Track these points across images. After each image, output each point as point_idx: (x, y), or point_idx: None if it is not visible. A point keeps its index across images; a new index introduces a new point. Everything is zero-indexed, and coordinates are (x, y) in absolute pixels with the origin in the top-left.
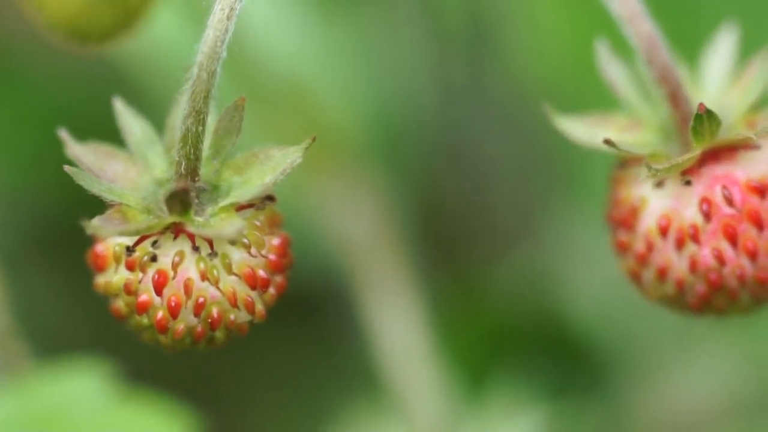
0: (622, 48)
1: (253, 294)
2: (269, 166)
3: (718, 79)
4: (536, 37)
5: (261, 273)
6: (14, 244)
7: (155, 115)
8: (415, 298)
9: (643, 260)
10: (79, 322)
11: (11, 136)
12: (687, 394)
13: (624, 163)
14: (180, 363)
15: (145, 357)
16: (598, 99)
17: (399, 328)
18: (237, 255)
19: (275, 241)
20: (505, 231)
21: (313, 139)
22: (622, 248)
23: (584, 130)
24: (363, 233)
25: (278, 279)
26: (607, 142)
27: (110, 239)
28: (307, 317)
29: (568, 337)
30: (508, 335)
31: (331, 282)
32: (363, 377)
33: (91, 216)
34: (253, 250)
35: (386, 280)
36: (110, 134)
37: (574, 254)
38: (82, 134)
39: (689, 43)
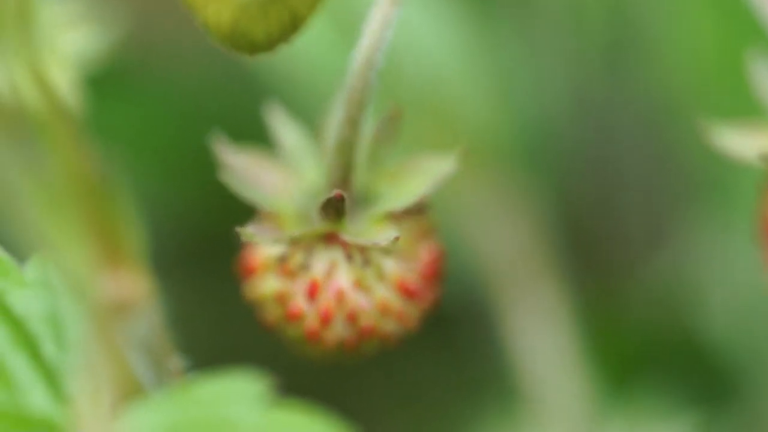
0: None
1: (405, 304)
2: (422, 176)
3: None
4: (681, 46)
5: (413, 283)
6: (162, 249)
7: (302, 123)
8: (557, 308)
9: None
10: (228, 331)
11: (161, 137)
12: None
13: None
14: (312, 374)
15: (281, 369)
16: (744, 110)
17: (541, 339)
18: (390, 265)
19: (428, 251)
20: (643, 241)
21: (466, 150)
22: None
23: (736, 143)
24: (506, 242)
25: (431, 290)
26: (762, 155)
27: (262, 247)
28: (446, 328)
29: (705, 348)
30: (646, 347)
31: (473, 292)
32: (504, 390)
33: (237, 223)
34: (405, 261)
35: (529, 291)
36: (260, 139)
37: (712, 265)
38: (232, 137)
39: None
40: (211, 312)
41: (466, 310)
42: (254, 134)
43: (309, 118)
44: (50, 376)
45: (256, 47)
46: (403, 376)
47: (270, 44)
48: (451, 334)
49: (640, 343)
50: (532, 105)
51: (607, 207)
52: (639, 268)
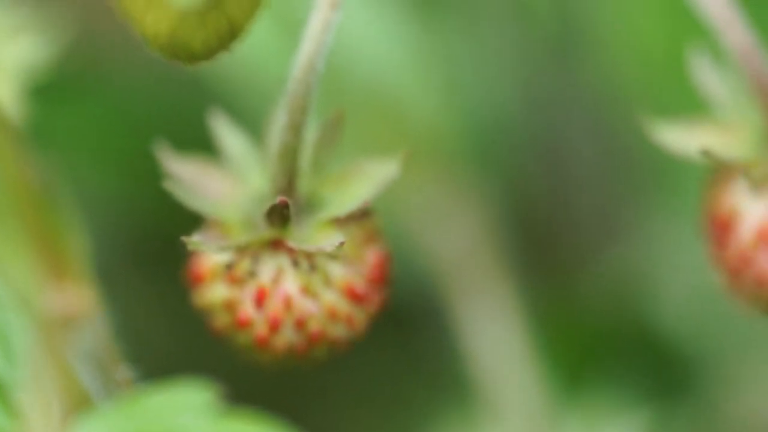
0: (713, 52)
1: (353, 309)
2: (367, 180)
3: None
4: (626, 40)
5: (360, 287)
6: (107, 259)
7: (246, 128)
8: (509, 304)
9: (740, 269)
10: (176, 340)
11: (102, 146)
12: None
13: (718, 171)
14: (269, 378)
15: (236, 374)
16: (686, 103)
17: (493, 335)
18: (336, 270)
19: (374, 255)
20: (594, 235)
21: (408, 152)
22: (719, 257)
23: (678, 138)
24: (456, 240)
25: (378, 294)
26: (703, 150)
27: (209, 255)
28: (399, 325)
29: (658, 341)
30: (599, 340)
31: (424, 290)
32: (458, 386)
33: (187, 230)
34: (352, 265)
35: (480, 287)
36: (204, 144)
37: (664, 258)
38: (177, 143)
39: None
40: (161, 319)
41: (419, 310)
42: (202, 139)
43: (256, 122)
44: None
45: (194, 56)
46: (358, 377)
47: (208, 53)
48: (405, 334)
49: (593, 337)
50: (480, 102)
51: (558, 202)
52: (591, 262)
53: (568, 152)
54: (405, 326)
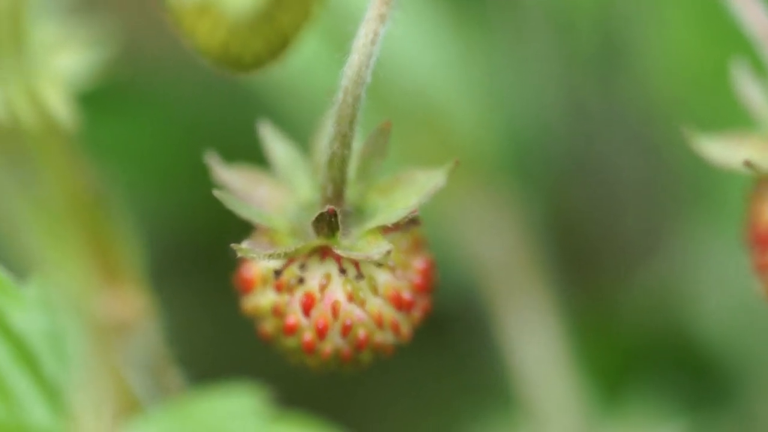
0: (756, 67)
1: (399, 316)
2: (413, 189)
3: None
4: (668, 55)
5: (406, 295)
6: (159, 265)
7: (294, 137)
8: (549, 314)
9: None
10: (225, 343)
11: (152, 155)
12: None
13: (761, 182)
14: (315, 381)
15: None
16: (730, 117)
17: (534, 344)
18: (383, 277)
19: (420, 263)
20: (635, 247)
21: (456, 163)
22: (762, 268)
23: (721, 151)
24: (498, 250)
25: (423, 301)
26: (746, 163)
27: (258, 262)
28: (442, 334)
29: (698, 352)
30: (639, 351)
31: (467, 299)
32: (498, 394)
33: (234, 237)
34: (398, 273)
35: (521, 297)
36: (252, 153)
37: (704, 270)
38: (224, 153)
39: None
40: (210, 325)
41: (462, 317)
42: (250, 147)
43: (304, 131)
44: (51, 393)
45: (245, 67)
46: (402, 382)
47: (259, 64)
48: (448, 340)
49: (633, 347)
50: (523, 115)
51: (600, 213)
52: (632, 274)
53: (609, 165)
54: (448, 333)
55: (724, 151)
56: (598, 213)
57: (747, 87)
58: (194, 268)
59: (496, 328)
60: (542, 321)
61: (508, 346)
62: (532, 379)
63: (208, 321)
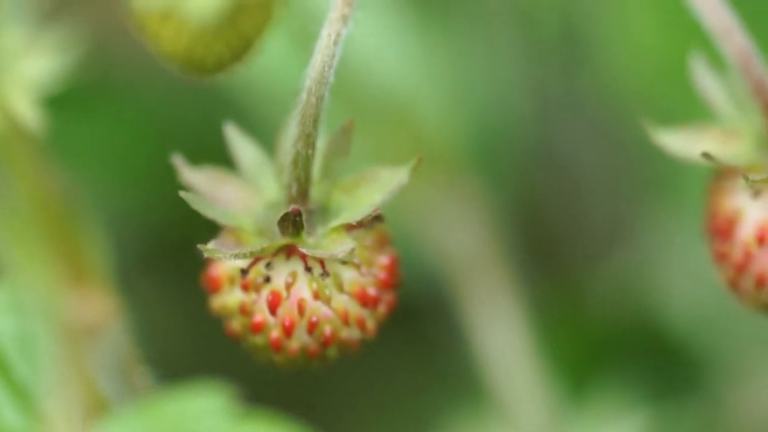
0: (714, 59)
1: (365, 312)
2: (377, 187)
3: None
4: (629, 48)
5: (372, 291)
6: (127, 266)
7: (262, 137)
8: (516, 305)
9: (741, 269)
10: (192, 342)
11: (121, 154)
12: None
13: (720, 174)
14: (284, 378)
15: (252, 375)
16: (690, 109)
17: (501, 335)
18: (348, 274)
19: (384, 259)
20: (600, 237)
21: (420, 160)
22: (720, 258)
23: (681, 143)
24: (464, 243)
25: (388, 297)
26: (705, 155)
27: (224, 262)
28: (409, 327)
29: (664, 341)
30: (606, 340)
31: (434, 292)
32: (466, 385)
33: (202, 238)
34: (363, 269)
35: (488, 289)
36: (218, 153)
37: (669, 260)
38: (191, 153)
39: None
40: (180, 324)
41: (429, 311)
42: (218, 148)
43: (272, 131)
44: (22, 395)
45: (209, 71)
46: (369, 376)
47: (222, 67)
48: (417, 333)
49: (600, 337)
50: (488, 110)
51: (565, 205)
52: (597, 264)
53: (574, 157)
54: (415, 327)
55: (684, 143)
56: (563, 204)
57: (705, 80)
58: (163, 269)
59: (464, 319)
60: (508, 312)
61: (475, 337)
62: (499, 369)
63: (177, 321)
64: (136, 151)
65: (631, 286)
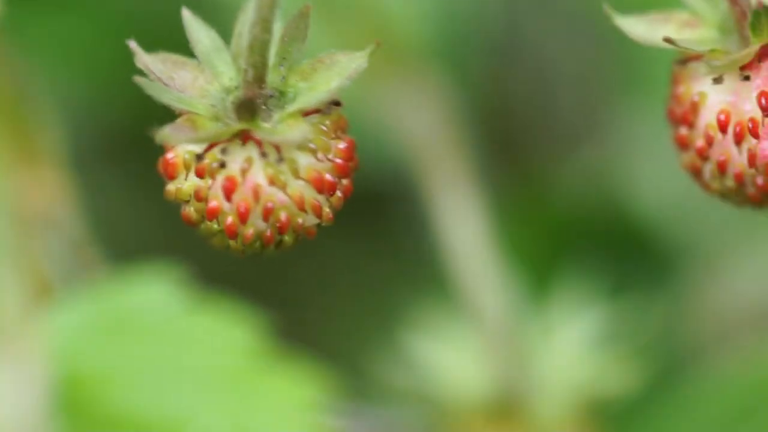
0: None
1: (320, 198)
2: (335, 72)
3: None
4: None
5: (328, 177)
6: (87, 153)
7: (224, 24)
8: (479, 196)
9: (703, 154)
10: (151, 228)
11: (83, 46)
12: (752, 285)
13: (684, 60)
14: (248, 264)
15: (214, 260)
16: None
17: (464, 226)
18: (304, 160)
19: (341, 145)
20: (569, 130)
21: (378, 44)
22: (683, 143)
23: (644, 29)
24: (429, 135)
25: (344, 182)
26: (667, 39)
27: (180, 147)
28: (374, 218)
29: (632, 231)
30: (572, 231)
31: (398, 183)
32: (430, 276)
33: (162, 125)
34: (319, 155)
35: (452, 180)
36: (181, 45)
37: (638, 151)
38: (153, 45)
39: None
40: (140, 211)
41: (391, 199)
42: (175, 38)
43: (230, 19)
44: None
45: None
46: (333, 264)
47: None
48: (379, 222)
49: (566, 228)
50: (458, 2)
51: (534, 97)
52: (566, 156)
53: (542, 49)
54: (379, 216)
55: (647, 28)
56: (532, 96)
57: None
58: (123, 157)
59: (426, 209)
60: (471, 201)
61: (438, 227)
62: (462, 260)
63: (138, 208)
64: (96, 39)
65: (599, 178)
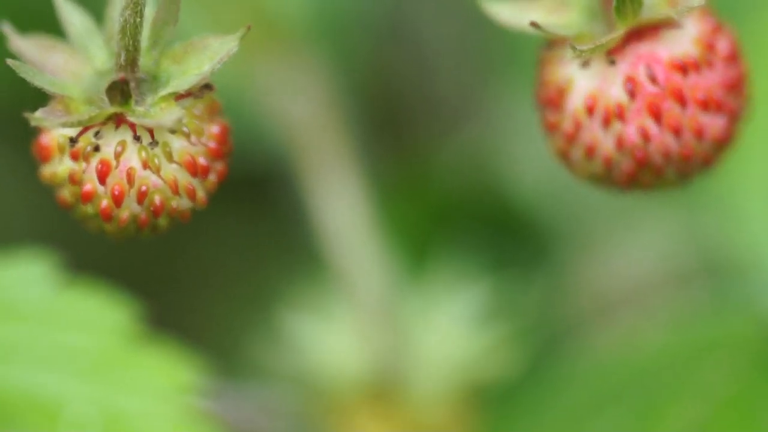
0: None
1: (194, 181)
2: (207, 55)
3: None
4: None
5: (201, 160)
6: None
7: (96, 7)
8: (358, 177)
9: (571, 139)
10: (25, 211)
11: None
12: (628, 264)
13: (551, 44)
14: (129, 248)
15: (94, 245)
16: None
17: (342, 207)
18: (177, 143)
19: (214, 128)
20: (448, 111)
21: (249, 27)
22: (551, 128)
23: (511, 13)
24: (306, 115)
25: (219, 166)
26: (533, 24)
27: (54, 131)
28: (253, 200)
29: (510, 212)
30: (451, 212)
31: (276, 164)
32: (308, 257)
33: (35, 108)
34: (193, 139)
35: (330, 160)
36: (53, 26)
37: (515, 132)
38: (25, 27)
39: None
40: (13, 194)
41: (269, 183)
42: (47, 18)
43: (102, 1)
44: None
45: None
46: (208, 247)
47: None
48: (258, 204)
49: (443, 210)
50: None
51: (414, 77)
52: (445, 136)
53: (420, 29)
54: (262, 196)
55: (515, 13)
56: (410, 77)
57: None
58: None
59: (305, 191)
60: (350, 183)
61: (315, 210)
62: (339, 242)
63: (10, 191)
64: None
65: (478, 158)
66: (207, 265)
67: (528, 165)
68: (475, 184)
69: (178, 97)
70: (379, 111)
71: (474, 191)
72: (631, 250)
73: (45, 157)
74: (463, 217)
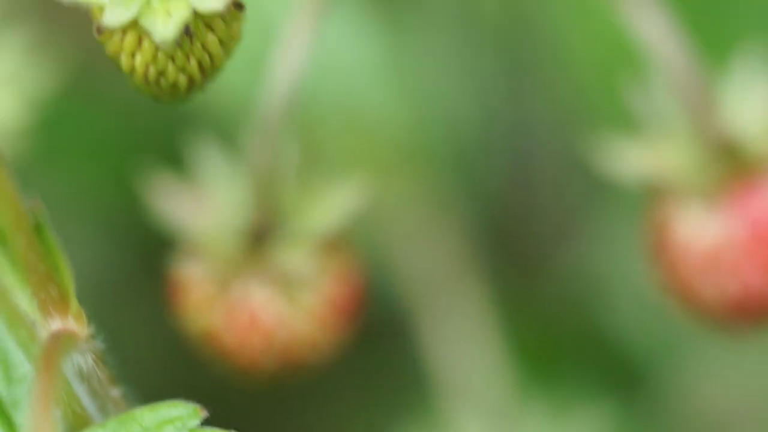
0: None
1: (323, 331)
2: (341, 205)
3: (748, 103)
4: (571, 55)
5: (331, 311)
6: (90, 286)
7: (226, 150)
8: (479, 310)
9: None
10: (159, 358)
11: (93, 156)
12: (724, 396)
13: (660, 187)
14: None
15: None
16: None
17: (464, 340)
18: (308, 293)
19: (347, 283)
20: (553, 240)
21: (381, 174)
22: (663, 267)
23: (622, 160)
24: (428, 250)
25: (348, 319)
26: (647, 174)
27: (189, 273)
28: (368, 336)
29: (611, 340)
30: (558, 340)
31: (395, 300)
32: (424, 393)
33: (167, 248)
34: (325, 291)
35: (451, 293)
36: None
37: (617, 261)
38: (159, 158)
39: (718, 51)
40: (146, 340)
41: (389, 318)
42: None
43: (233, 143)
44: (2, 413)
45: (173, 92)
46: (330, 386)
47: (186, 89)
48: (375, 343)
49: (552, 337)
50: (445, 113)
51: (519, 210)
52: (550, 266)
53: (530, 162)
54: (374, 335)
55: (625, 160)
56: (519, 209)
57: (639, 98)
58: (132, 282)
59: (425, 329)
60: (471, 317)
61: (436, 347)
62: (459, 376)
63: (147, 335)
64: (105, 151)
65: (583, 289)
66: (320, 411)
67: (625, 296)
68: (578, 315)
69: (314, 245)
70: (487, 238)
71: (577, 321)
72: (726, 381)
73: (182, 307)
74: (569, 343)
